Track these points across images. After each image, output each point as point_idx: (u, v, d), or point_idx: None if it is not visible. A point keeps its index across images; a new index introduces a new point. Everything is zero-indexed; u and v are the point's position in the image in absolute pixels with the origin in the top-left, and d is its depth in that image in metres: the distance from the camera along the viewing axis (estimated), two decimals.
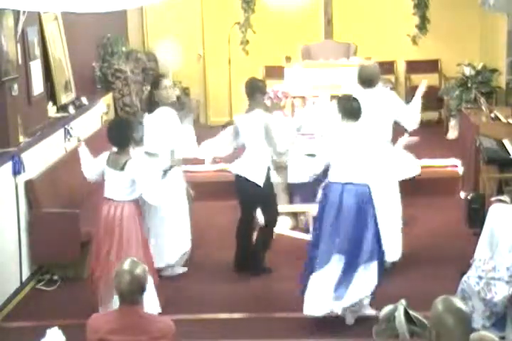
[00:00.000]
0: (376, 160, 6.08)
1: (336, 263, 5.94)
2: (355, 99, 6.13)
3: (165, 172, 6.82)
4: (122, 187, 6.02)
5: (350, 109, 6.05)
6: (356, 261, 5.91)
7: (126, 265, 4.10)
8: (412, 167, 7.18)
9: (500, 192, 7.11)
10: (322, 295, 5.94)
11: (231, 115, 11.53)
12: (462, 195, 8.63)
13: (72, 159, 7.89)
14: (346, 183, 5.95)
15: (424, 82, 7.23)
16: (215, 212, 8.40)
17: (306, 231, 8.07)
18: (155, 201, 6.08)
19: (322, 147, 6.24)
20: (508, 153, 7.63)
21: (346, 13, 11.42)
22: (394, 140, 6.67)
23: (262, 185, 6.90)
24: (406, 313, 4.18)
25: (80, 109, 8.69)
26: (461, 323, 3.41)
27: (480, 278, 5.49)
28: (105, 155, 6.15)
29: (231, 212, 7.58)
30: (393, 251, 6.80)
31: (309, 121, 7.12)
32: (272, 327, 6.07)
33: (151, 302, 5.85)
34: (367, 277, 5.96)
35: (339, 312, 5.96)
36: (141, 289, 4.08)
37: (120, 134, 6.10)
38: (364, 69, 7.05)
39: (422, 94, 7.10)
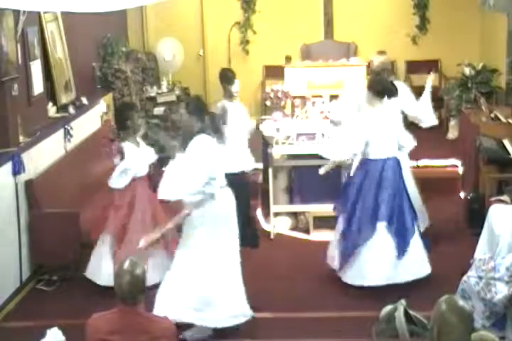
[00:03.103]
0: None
1: (384, 231, 6.50)
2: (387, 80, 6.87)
3: None
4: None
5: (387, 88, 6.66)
6: (404, 228, 6.55)
7: (126, 265, 4.10)
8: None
9: (500, 192, 7.12)
10: (382, 263, 6.50)
11: None
12: (462, 195, 8.63)
13: (72, 159, 7.92)
14: (387, 158, 6.55)
15: (430, 77, 7.53)
16: None
17: (306, 231, 8.09)
18: None
19: (360, 126, 6.61)
20: (508, 153, 7.63)
21: (346, 13, 11.43)
22: None
23: None
24: (406, 313, 4.17)
25: (80, 109, 8.69)
26: (463, 322, 3.43)
27: (480, 278, 5.49)
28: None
29: None
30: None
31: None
32: (270, 327, 6.07)
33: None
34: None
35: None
36: (142, 289, 4.08)
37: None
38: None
39: (430, 89, 7.42)
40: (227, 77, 7.65)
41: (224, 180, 5.82)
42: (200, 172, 5.58)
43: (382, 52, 8.02)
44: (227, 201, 5.82)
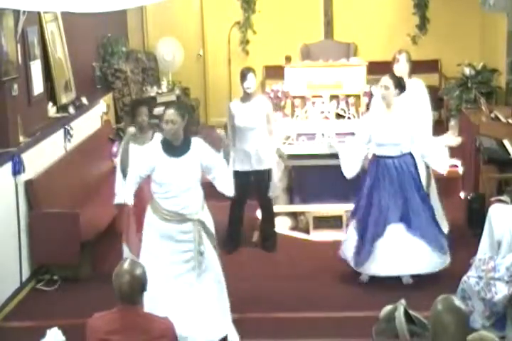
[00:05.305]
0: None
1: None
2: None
3: None
4: None
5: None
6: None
7: (125, 265, 4.11)
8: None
9: (500, 192, 7.12)
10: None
11: None
12: (462, 195, 8.63)
13: (72, 159, 7.92)
14: (399, 156, 6.55)
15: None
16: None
17: (306, 231, 8.09)
18: None
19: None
20: (508, 153, 7.63)
21: (346, 13, 11.43)
22: None
23: None
24: (406, 313, 4.17)
25: (80, 109, 8.69)
26: (458, 322, 3.42)
27: (480, 278, 5.49)
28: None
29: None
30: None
31: None
32: (270, 328, 6.07)
33: None
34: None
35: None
36: (141, 289, 4.08)
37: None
38: None
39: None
40: (241, 74, 7.52)
41: None
42: None
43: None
44: None
